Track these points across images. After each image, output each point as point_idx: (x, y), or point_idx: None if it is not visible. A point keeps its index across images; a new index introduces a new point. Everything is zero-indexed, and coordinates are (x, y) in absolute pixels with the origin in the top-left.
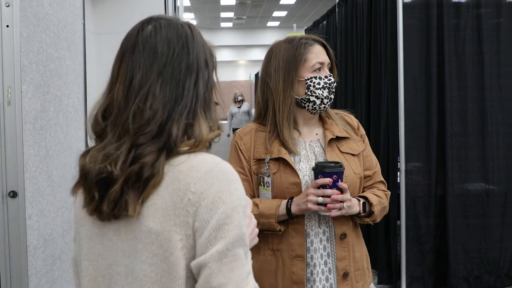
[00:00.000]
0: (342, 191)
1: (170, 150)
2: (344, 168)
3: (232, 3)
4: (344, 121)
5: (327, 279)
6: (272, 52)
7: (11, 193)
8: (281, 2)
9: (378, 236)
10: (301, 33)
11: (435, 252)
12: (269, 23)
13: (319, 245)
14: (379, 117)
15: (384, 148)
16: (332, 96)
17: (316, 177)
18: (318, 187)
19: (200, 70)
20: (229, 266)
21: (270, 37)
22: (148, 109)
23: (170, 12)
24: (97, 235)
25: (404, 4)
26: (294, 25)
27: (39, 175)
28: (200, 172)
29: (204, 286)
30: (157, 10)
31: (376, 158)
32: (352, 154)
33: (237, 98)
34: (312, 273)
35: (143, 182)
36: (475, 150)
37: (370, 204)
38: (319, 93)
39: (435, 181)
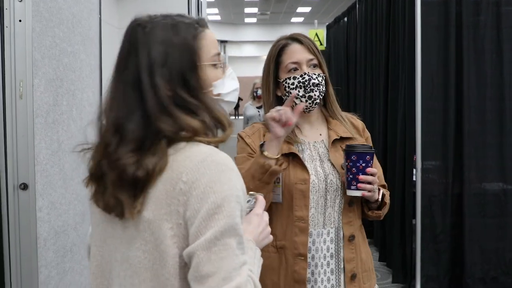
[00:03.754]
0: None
1: (170, 141)
2: (374, 151)
3: None
4: (350, 122)
5: (328, 280)
6: None
7: (22, 185)
8: None
9: (393, 234)
10: (321, 30)
11: (451, 252)
12: (293, 19)
13: (322, 246)
14: (396, 114)
15: (400, 146)
16: (313, 94)
17: (349, 157)
18: (348, 167)
19: (155, 68)
20: (219, 255)
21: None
22: (112, 116)
23: (193, 8)
24: (103, 221)
25: (422, 1)
26: (316, 21)
27: (51, 168)
28: (193, 162)
29: (194, 275)
30: (181, 5)
31: (378, 162)
32: None
33: (256, 92)
34: (313, 273)
35: (133, 184)
36: (493, 149)
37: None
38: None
39: (452, 180)
